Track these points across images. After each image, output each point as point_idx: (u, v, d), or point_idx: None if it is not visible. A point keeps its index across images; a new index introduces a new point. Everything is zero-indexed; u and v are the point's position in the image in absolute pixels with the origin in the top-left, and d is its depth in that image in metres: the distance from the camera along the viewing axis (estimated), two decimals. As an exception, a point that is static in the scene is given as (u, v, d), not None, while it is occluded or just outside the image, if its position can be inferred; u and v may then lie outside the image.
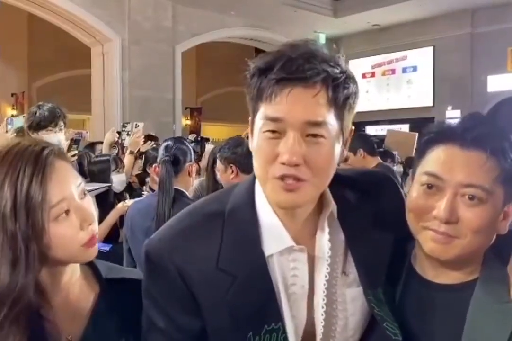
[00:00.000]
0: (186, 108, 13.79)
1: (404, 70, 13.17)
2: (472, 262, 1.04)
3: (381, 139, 6.64)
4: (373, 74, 13.72)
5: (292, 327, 1.00)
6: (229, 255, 0.99)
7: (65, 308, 1.01)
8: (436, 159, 1.02)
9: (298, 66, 0.91)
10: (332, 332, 1.04)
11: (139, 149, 4.32)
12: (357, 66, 13.78)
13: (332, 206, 1.04)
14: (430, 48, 12.48)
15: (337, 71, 0.94)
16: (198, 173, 3.68)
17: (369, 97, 13.48)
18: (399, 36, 12.47)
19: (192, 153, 2.70)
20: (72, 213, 0.94)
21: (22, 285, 0.86)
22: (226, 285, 0.98)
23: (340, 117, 0.95)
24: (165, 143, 2.64)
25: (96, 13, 9.49)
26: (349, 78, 0.96)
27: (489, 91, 11.53)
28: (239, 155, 2.49)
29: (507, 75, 11.30)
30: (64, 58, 12.57)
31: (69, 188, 0.95)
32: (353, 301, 1.05)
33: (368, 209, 1.09)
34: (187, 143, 2.73)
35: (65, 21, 9.78)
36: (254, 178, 1.04)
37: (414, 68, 12.94)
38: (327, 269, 1.03)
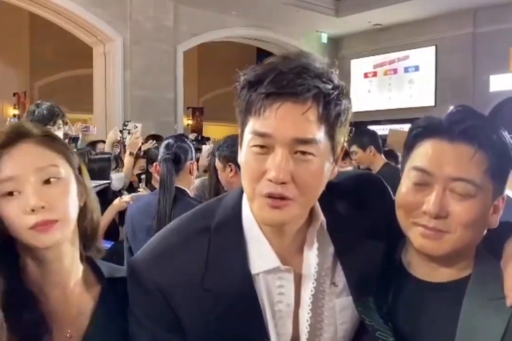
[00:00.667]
0: (188, 108, 13.79)
1: (406, 70, 13.15)
2: (464, 257, 1.02)
3: (383, 139, 6.64)
4: (375, 74, 13.71)
5: None
6: (215, 274, 0.97)
7: (66, 306, 1.01)
8: (424, 154, 1.00)
9: (288, 81, 0.88)
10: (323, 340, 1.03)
11: (140, 149, 4.33)
12: (359, 66, 13.79)
13: (321, 220, 1.02)
14: (432, 48, 12.46)
15: (329, 87, 0.91)
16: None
17: (371, 97, 13.48)
18: (400, 36, 12.46)
19: (193, 151, 2.68)
20: (22, 196, 0.93)
21: None
22: (211, 305, 0.96)
23: (331, 134, 0.92)
24: (166, 142, 2.62)
25: (98, 13, 9.49)
26: (341, 94, 0.93)
27: (491, 91, 11.51)
28: (237, 154, 2.49)
29: (509, 75, 11.27)
30: (66, 58, 12.57)
31: (19, 170, 0.94)
32: (342, 311, 1.04)
33: (358, 217, 1.07)
34: (188, 142, 2.71)
35: (66, 20, 9.79)
36: (242, 191, 1.01)
37: (416, 68, 12.93)
38: (313, 283, 1.01)
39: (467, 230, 0.97)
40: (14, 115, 12.08)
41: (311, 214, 1.02)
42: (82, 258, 1.06)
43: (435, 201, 0.96)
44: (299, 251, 1.03)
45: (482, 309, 0.96)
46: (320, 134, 0.90)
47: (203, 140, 7.19)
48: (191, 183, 2.69)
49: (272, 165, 0.89)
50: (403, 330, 1.02)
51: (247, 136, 0.93)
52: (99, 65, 10.18)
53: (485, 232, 1.02)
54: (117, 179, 3.55)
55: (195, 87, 15.03)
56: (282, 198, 0.90)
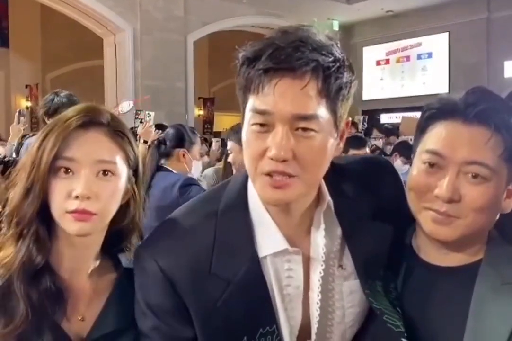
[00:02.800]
0: (199, 98, 13.79)
1: (419, 57, 12.99)
2: (476, 242, 1.01)
3: (396, 127, 6.58)
4: (387, 62, 13.56)
5: (288, 327, 0.98)
6: (222, 258, 0.96)
7: (82, 290, 1.04)
8: (438, 136, 0.98)
9: (286, 56, 0.86)
10: (328, 327, 1.03)
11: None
12: (371, 54, 13.65)
13: (327, 200, 1.00)
14: (445, 34, 12.28)
15: (329, 60, 0.88)
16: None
17: (384, 84, 13.35)
18: (413, 23, 12.28)
19: (192, 141, 2.85)
20: (74, 177, 0.98)
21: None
22: (219, 290, 0.95)
23: (333, 109, 0.90)
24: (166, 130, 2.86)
25: (108, 4, 9.48)
26: (342, 67, 0.90)
27: (506, 77, 11.33)
28: None
29: (524, 61, 11.09)
30: (77, 49, 12.59)
31: (85, 154, 0.98)
32: (351, 294, 1.03)
33: (366, 199, 1.05)
34: (184, 131, 2.87)
35: (77, 12, 9.79)
36: (247, 174, 0.98)
37: (429, 55, 12.76)
38: (322, 265, 1.00)
39: (479, 215, 0.95)
40: (27, 108, 12.16)
41: (318, 195, 1.01)
42: (104, 247, 1.09)
43: (448, 184, 0.94)
44: (307, 232, 1.01)
45: (495, 294, 0.94)
46: (321, 109, 0.88)
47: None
48: (185, 169, 2.84)
49: (272, 143, 0.87)
50: (413, 315, 1.01)
51: (248, 114, 0.91)
52: (110, 56, 10.19)
53: (497, 217, 1.00)
54: None
55: (205, 77, 14.99)
56: (285, 175, 0.88)
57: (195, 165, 2.89)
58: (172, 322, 0.97)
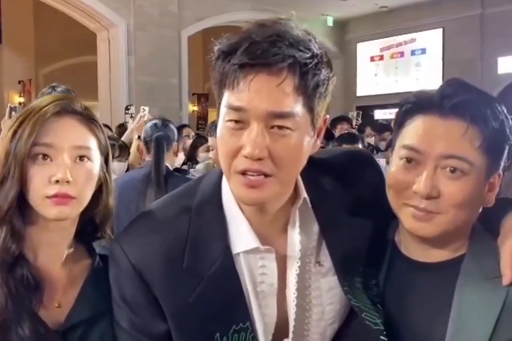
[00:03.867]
0: (193, 94, 13.73)
1: (412, 52, 12.99)
2: (458, 237, 1.00)
3: (390, 122, 6.59)
4: (381, 58, 13.55)
5: (262, 325, 0.97)
6: (195, 254, 0.95)
7: (57, 277, 1.06)
8: (414, 131, 0.97)
9: (262, 51, 0.83)
10: (306, 325, 1.01)
11: None
12: (365, 49, 13.64)
13: (303, 197, 0.99)
14: (439, 30, 12.28)
15: (307, 56, 0.85)
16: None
17: (378, 80, 13.35)
18: (407, 18, 12.28)
19: (176, 134, 2.92)
20: (53, 163, 1.00)
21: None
22: (192, 286, 0.94)
23: (309, 107, 0.87)
24: (152, 122, 2.93)
25: (101, -1, 9.41)
26: (320, 63, 0.87)
27: (499, 73, 11.36)
28: None
29: (517, 57, 11.12)
30: (71, 45, 12.50)
31: (58, 141, 1.01)
32: (330, 290, 1.02)
33: (345, 193, 1.03)
34: (171, 124, 2.93)
35: (70, 7, 9.71)
36: (221, 171, 0.98)
37: (423, 51, 12.76)
38: (298, 262, 0.98)
39: (459, 210, 0.94)
40: (20, 103, 12.08)
41: (295, 192, 0.99)
42: (77, 235, 1.11)
43: (426, 180, 0.93)
44: (283, 230, 1.00)
45: (478, 288, 0.94)
46: (297, 107, 0.85)
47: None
48: (174, 162, 2.90)
49: (247, 141, 0.85)
50: (395, 311, 1.00)
51: (223, 110, 0.89)
52: (103, 51, 10.13)
53: (479, 211, 0.98)
54: (118, 169, 3.52)
55: (200, 73, 14.93)
56: (261, 174, 0.86)
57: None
58: (144, 316, 0.96)
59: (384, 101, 12.61)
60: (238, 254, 0.96)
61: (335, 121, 5.64)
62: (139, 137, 4.03)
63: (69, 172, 0.99)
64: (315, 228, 1.02)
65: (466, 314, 0.93)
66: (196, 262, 0.95)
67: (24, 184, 0.99)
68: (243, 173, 0.87)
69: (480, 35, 11.56)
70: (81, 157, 1.03)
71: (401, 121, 1.01)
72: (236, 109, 0.86)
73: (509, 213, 1.01)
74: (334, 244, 1.01)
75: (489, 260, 0.96)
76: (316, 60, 0.86)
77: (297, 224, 0.99)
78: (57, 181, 0.98)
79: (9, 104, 3.82)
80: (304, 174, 0.96)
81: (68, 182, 0.99)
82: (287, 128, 0.86)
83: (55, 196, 0.99)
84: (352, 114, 6.50)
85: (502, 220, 0.99)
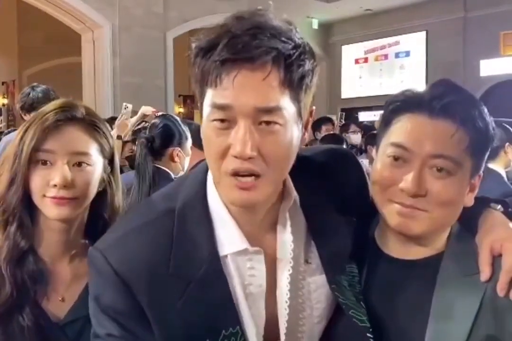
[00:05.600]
0: (179, 96, 13.69)
1: (397, 55, 13.11)
2: (439, 236, 1.01)
3: (373, 124, 6.66)
4: (366, 60, 13.65)
5: (254, 327, 0.94)
6: (181, 258, 0.90)
7: (63, 272, 1.11)
8: (403, 129, 0.97)
9: (243, 45, 0.79)
10: (300, 327, 1.00)
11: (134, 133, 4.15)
12: (349, 52, 13.73)
13: (294, 195, 0.97)
14: (423, 33, 12.41)
15: (290, 47, 0.82)
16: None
17: (362, 83, 13.44)
18: (391, 21, 12.39)
19: (182, 135, 2.47)
20: (52, 168, 1.06)
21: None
22: (179, 291, 0.90)
23: (296, 99, 0.84)
24: (153, 121, 2.53)
25: (86, -1, 9.35)
26: (304, 53, 0.84)
27: (481, 76, 11.51)
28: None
29: (499, 60, 11.26)
30: (55, 45, 12.39)
31: (57, 147, 1.07)
32: (317, 289, 1.00)
33: (330, 192, 1.02)
34: (177, 124, 2.49)
35: (54, 7, 9.63)
36: (206, 169, 0.94)
37: (407, 53, 12.89)
38: (291, 262, 0.96)
39: (444, 209, 0.95)
40: (3, 105, 11.95)
41: (283, 190, 0.97)
42: (87, 233, 1.16)
43: (414, 179, 0.93)
44: (271, 229, 0.97)
45: (456, 285, 0.95)
46: (284, 100, 0.82)
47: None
48: (178, 169, 2.46)
49: (236, 140, 0.81)
50: (377, 309, 1.01)
51: (206, 109, 0.85)
52: (88, 52, 10.06)
53: (460, 211, 1.00)
54: None
55: (186, 75, 14.89)
56: (252, 175, 0.83)
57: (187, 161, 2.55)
58: (128, 326, 0.90)
59: (368, 103, 12.71)
60: (226, 256, 0.93)
61: (320, 122, 5.66)
62: (119, 137, 3.74)
63: (66, 176, 1.05)
64: (303, 226, 1.00)
65: (445, 310, 0.95)
66: (182, 266, 0.90)
67: (27, 186, 1.07)
68: (234, 174, 0.84)
69: (463, 38, 11.70)
70: (80, 163, 1.08)
71: (388, 119, 1.01)
72: (221, 107, 0.82)
73: (484, 211, 1.03)
74: (322, 242, 1.00)
75: (467, 257, 0.97)
76: (299, 51, 0.83)
77: (289, 223, 0.97)
78: (55, 185, 1.05)
79: None
80: (291, 172, 0.94)
81: (65, 186, 1.05)
82: (276, 123, 0.83)
83: (53, 197, 1.06)
84: (336, 115, 6.54)
85: (479, 218, 1.01)
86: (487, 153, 1.00)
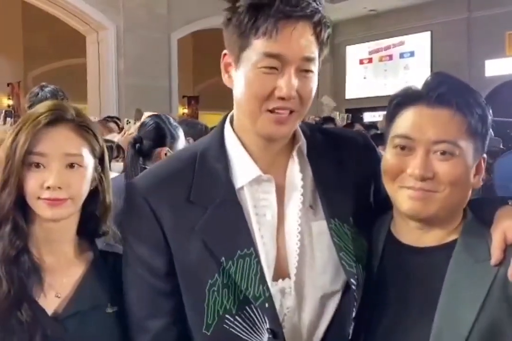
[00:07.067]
0: (183, 97, 13.73)
1: (401, 55, 13.10)
2: (451, 220, 1.06)
3: (375, 124, 6.66)
4: (370, 60, 13.65)
5: (264, 253, 1.02)
6: (200, 188, 1.04)
7: (59, 269, 1.13)
8: (405, 121, 1.04)
9: (296, 3, 0.95)
10: (305, 268, 1.04)
11: None
12: (354, 53, 13.73)
13: (302, 140, 1.09)
14: (428, 33, 12.40)
15: (321, 8, 1.00)
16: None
17: (366, 83, 13.43)
18: (395, 22, 12.38)
19: (173, 135, 2.35)
20: (46, 170, 1.08)
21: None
22: (197, 216, 1.02)
23: (322, 51, 1.03)
24: (143, 121, 2.42)
25: (90, 1, 9.39)
26: (324, 15, 1.01)
27: (486, 76, 11.48)
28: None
29: (504, 60, 11.24)
30: (60, 47, 12.45)
31: (50, 150, 1.08)
32: (319, 235, 1.06)
33: (337, 154, 1.13)
34: (168, 124, 2.38)
35: (59, 9, 9.70)
36: (224, 120, 1.11)
37: (412, 54, 12.87)
38: (300, 198, 1.06)
39: (454, 188, 1.01)
40: (9, 106, 12.01)
41: (293, 138, 1.10)
42: (80, 231, 1.18)
43: (420, 163, 1.00)
44: (282, 168, 1.09)
45: (467, 271, 0.99)
46: (317, 52, 1.01)
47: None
48: None
49: (284, 84, 0.97)
50: (391, 294, 1.05)
51: (251, 58, 0.98)
52: (93, 53, 10.11)
53: (469, 194, 1.06)
54: (117, 170, 3.48)
55: (190, 75, 14.95)
56: (289, 111, 1.00)
57: None
58: (149, 247, 1.04)
59: (373, 103, 12.69)
60: (241, 188, 1.04)
61: (323, 123, 5.71)
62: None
63: (60, 178, 1.07)
64: (310, 173, 1.10)
65: (454, 295, 0.99)
66: (202, 194, 1.04)
67: (21, 188, 1.08)
68: (272, 110, 0.99)
69: (467, 38, 11.68)
70: (72, 165, 1.10)
71: (392, 115, 1.08)
72: (274, 56, 0.96)
73: (503, 206, 1.07)
74: (325, 189, 1.09)
75: (480, 245, 1.01)
76: (323, 13, 1.00)
77: (297, 162, 1.09)
78: (48, 187, 1.07)
79: (3, 110, 3.79)
80: (304, 126, 1.12)
81: (59, 187, 1.07)
82: (311, 71, 1.01)
83: (47, 199, 1.08)
84: (343, 116, 6.54)
85: (496, 212, 1.05)
86: (488, 137, 1.06)
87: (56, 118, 1.10)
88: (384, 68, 13.44)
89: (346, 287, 1.06)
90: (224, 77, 1.07)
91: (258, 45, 0.97)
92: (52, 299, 1.09)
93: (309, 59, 0.99)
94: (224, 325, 1.00)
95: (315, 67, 1.01)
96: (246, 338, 1.00)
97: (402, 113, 1.06)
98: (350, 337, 1.06)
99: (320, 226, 1.07)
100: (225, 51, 1.06)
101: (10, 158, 1.08)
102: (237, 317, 0.99)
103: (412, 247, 1.07)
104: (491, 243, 0.99)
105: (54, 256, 1.14)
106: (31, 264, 1.08)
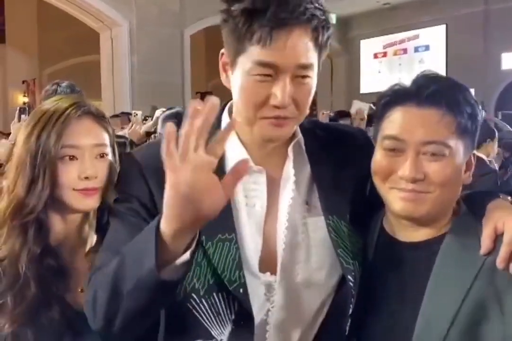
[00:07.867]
0: (197, 93, 13.75)
1: (416, 49, 12.97)
2: (442, 217, 1.06)
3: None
4: (384, 54, 13.53)
5: (253, 242, 1.01)
6: None
7: (81, 265, 1.16)
8: (394, 121, 1.03)
9: (292, 10, 0.92)
10: (294, 264, 1.03)
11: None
12: (368, 47, 13.62)
13: (299, 137, 1.08)
14: (443, 27, 12.25)
15: (321, 13, 0.96)
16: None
17: (381, 77, 13.31)
18: (410, 15, 12.24)
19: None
20: (79, 162, 1.13)
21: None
22: None
23: (320, 56, 1.01)
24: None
25: (104, -2, 9.43)
26: (327, 17, 0.98)
27: (503, 69, 11.33)
28: None
29: (521, 53, 11.08)
30: (75, 44, 12.53)
31: (83, 142, 1.14)
32: (315, 231, 1.05)
33: (336, 150, 1.12)
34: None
35: (73, 6, 9.74)
36: (222, 109, 1.09)
37: (427, 48, 12.74)
38: (291, 194, 1.05)
39: (444, 188, 1.00)
40: (24, 103, 12.12)
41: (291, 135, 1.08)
42: (98, 228, 1.21)
43: (410, 165, 0.99)
44: (277, 163, 1.07)
45: (456, 259, 1.00)
46: (315, 58, 0.98)
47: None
48: None
49: (278, 92, 0.95)
50: (384, 287, 1.06)
51: (246, 64, 0.96)
52: (106, 50, 10.15)
53: (460, 190, 1.06)
54: None
55: (203, 71, 14.95)
56: (285, 118, 0.98)
57: None
58: (137, 203, 1.03)
59: (387, 98, 12.59)
60: None
61: (337, 116, 5.72)
62: (132, 142, 3.82)
63: (95, 168, 1.13)
64: (308, 168, 1.09)
65: (440, 285, 0.99)
66: None
67: (54, 182, 1.11)
68: (268, 118, 0.98)
69: (483, 31, 11.52)
70: (101, 155, 1.16)
71: (380, 114, 1.07)
72: (268, 65, 0.94)
73: (493, 200, 1.07)
74: (323, 186, 1.08)
75: (471, 236, 1.01)
76: (325, 16, 0.97)
77: (292, 158, 1.07)
78: (86, 177, 1.11)
79: (18, 107, 3.81)
80: (305, 122, 1.09)
81: (96, 177, 1.13)
82: (308, 76, 0.98)
83: (84, 190, 1.12)
84: (365, 106, 6.44)
85: (488, 205, 1.06)
86: (477, 133, 1.05)
87: (84, 111, 1.15)
88: (399, 62, 13.32)
89: (341, 283, 1.05)
90: (222, 77, 1.05)
91: (252, 52, 0.95)
92: (77, 294, 1.12)
93: (305, 67, 0.96)
94: (188, 305, 0.98)
95: (312, 72, 0.98)
96: (207, 326, 0.99)
97: (391, 113, 1.04)
98: (346, 334, 1.05)
99: (317, 222, 1.06)
100: (222, 51, 1.04)
101: (40, 154, 1.10)
102: (203, 300, 0.98)
103: (404, 242, 1.07)
104: (481, 235, 0.99)
105: (76, 251, 1.17)
106: (55, 263, 1.11)
